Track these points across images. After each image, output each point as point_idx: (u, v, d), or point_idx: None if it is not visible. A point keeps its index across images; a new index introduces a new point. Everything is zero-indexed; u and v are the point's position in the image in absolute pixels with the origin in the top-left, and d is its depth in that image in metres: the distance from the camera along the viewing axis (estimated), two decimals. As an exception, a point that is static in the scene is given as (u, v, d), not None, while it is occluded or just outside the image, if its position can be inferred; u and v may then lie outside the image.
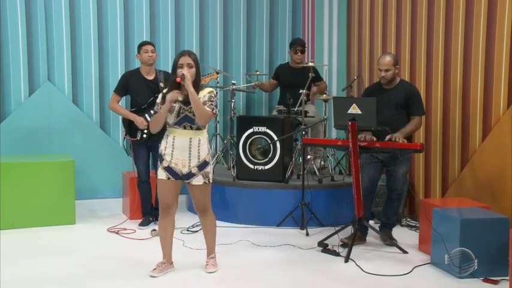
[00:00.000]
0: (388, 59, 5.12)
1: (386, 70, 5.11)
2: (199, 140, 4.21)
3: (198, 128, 4.20)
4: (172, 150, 4.21)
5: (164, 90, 4.25)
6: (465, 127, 5.40)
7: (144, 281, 4.27)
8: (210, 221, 4.49)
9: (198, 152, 4.21)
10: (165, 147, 4.25)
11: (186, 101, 4.14)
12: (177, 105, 4.16)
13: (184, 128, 4.19)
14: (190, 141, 4.19)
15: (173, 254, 4.49)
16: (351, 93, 6.12)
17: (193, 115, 4.14)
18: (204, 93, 4.21)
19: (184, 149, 4.19)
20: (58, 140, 6.84)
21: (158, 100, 4.26)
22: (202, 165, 4.24)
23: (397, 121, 5.08)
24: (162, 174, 4.25)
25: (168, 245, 4.44)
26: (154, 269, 4.36)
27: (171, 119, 4.18)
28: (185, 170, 4.21)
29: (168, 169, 4.23)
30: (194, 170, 4.22)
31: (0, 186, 5.56)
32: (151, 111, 4.26)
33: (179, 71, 4.12)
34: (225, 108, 7.37)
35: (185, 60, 4.14)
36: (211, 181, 4.33)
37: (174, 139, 4.21)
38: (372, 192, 5.31)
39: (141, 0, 7.14)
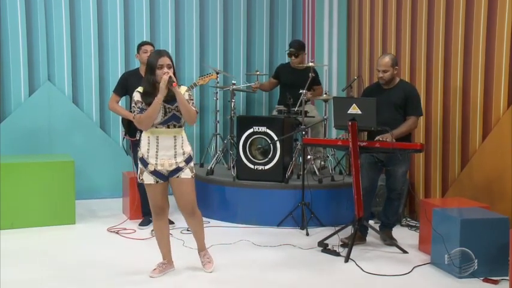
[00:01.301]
0: (386, 60, 5.11)
1: (384, 71, 5.10)
2: (182, 137, 4.22)
3: (180, 126, 4.20)
4: (157, 151, 4.16)
5: (139, 89, 4.16)
6: (465, 127, 5.40)
7: (144, 280, 4.27)
8: (198, 219, 4.42)
9: (183, 149, 4.20)
10: (147, 149, 4.18)
11: (169, 100, 4.11)
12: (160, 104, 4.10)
13: (168, 127, 4.16)
14: (175, 140, 4.18)
15: (173, 254, 4.49)
16: (351, 94, 6.12)
17: (180, 114, 4.13)
18: (183, 91, 4.17)
19: (169, 148, 4.16)
20: (58, 140, 6.84)
21: (137, 98, 4.11)
22: (188, 159, 4.23)
23: (397, 121, 5.08)
24: (149, 179, 4.20)
25: (166, 246, 4.44)
26: (154, 269, 4.36)
27: (158, 119, 4.11)
28: (172, 168, 4.18)
29: (155, 172, 4.19)
30: (181, 164, 4.20)
31: (0, 186, 5.56)
32: (137, 110, 4.11)
33: (160, 73, 4.05)
34: (225, 108, 7.37)
35: (165, 60, 4.08)
36: (194, 176, 4.29)
37: (158, 139, 4.15)
38: (372, 192, 5.30)
39: (141, 0, 7.15)
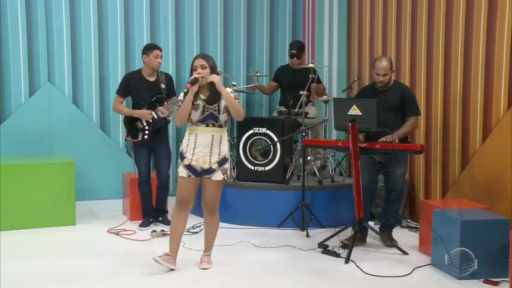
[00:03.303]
0: (385, 63, 5.11)
1: (384, 75, 5.10)
2: (221, 137, 4.40)
3: (220, 126, 4.39)
4: (194, 147, 4.36)
5: (185, 90, 4.39)
6: (465, 129, 5.40)
7: (144, 281, 4.28)
8: (216, 220, 4.59)
9: (219, 149, 4.39)
10: (186, 144, 4.40)
11: (210, 100, 4.33)
12: (201, 103, 4.33)
13: (207, 125, 4.36)
14: (213, 138, 4.36)
15: (173, 255, 4.51)
16: (351, 95, 6.13)
17: (218, 113, 4.34)
18: (229, 91, 4.38)
19: (206, 146, 4.36)
20: (58, 141, 6.84)
21: (180, 98, 4.39)
22: (222, 161, 4.40)
23: (393, 122, 5.07)
24: (183, 172, 4.40)
25: (177, 241, 4.50)
26: (160, 256, 4.41)
27: (196, 117, 4.34)
28: (206, 166, 4.37)
29: (189, 167, 4.39)
30: (214, 166, 4.38)
31: (0, 187, 5.56)
32: (177, 107, 4.41)
33: (193, 74, 4.33)
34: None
35: (198, 62, 4.35)
36: (228, 177, 4.50)
37: (196, 136, 4.36)
38: (371, 193, 5.30)
39: (141, 1, 7.15)
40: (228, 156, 4.45)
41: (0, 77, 6.67)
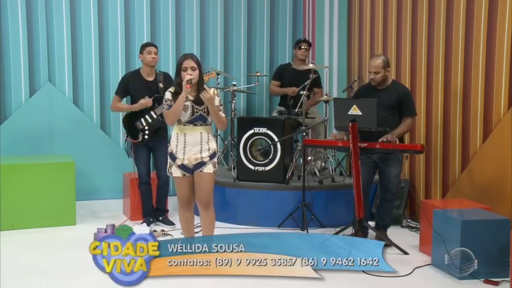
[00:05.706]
0: (378, 61, 5.11)
1: (376, 72, 5.10)
2: (208, 134, 4.48)
3: (207, 124, 4.48)
4: (184, 147, 4.43)
5: (171, 89, 4.45)
6: (465, 128, 5.40)
7: (144, 282, 4.27)
8: (212, 216, 4.64)
9: (208, 145, 4.47)
10: (176, 145, 4.46)
11: (198, 101, 4.40)
12: (189, 104, 4.39)
13: (195, 125, 4.43)
14: (201, 136, 4.44)
15: (174, 255, 4.50)
16: (352, 95, 6.12)
17: (207, 114, 4.42)
18: (209, 94, 4.41)
19: (196, 144, 4.43)
20: (59, 141, 6.84)
21: (168, 97, 4.43)
22: (213, 155, 4.50)
23: (389, 122, 5.07)
24: (177, 172, 4.47)
25: (191, 235, 4.68)
26: None
27: (185, 117, 4.40)
28: (197, 162, 4.45)
29: (182, 166, 4.46)
30: (206, 159, 4.46)
31: (0, 187, 5.56)
32: (167, 107, 4.41)
33: (183, 74, 4.36)
34: (226, 109, 7.35)
35: (188, 63, 4.39)
36: (217, 171, 4.57)
37: (185, 136, 4.42)
38: (368, 193, 5.30)
39: (141, 1, 7.14)
40: (217, 150, 4.57)
41: (1, 77, 6.67)
